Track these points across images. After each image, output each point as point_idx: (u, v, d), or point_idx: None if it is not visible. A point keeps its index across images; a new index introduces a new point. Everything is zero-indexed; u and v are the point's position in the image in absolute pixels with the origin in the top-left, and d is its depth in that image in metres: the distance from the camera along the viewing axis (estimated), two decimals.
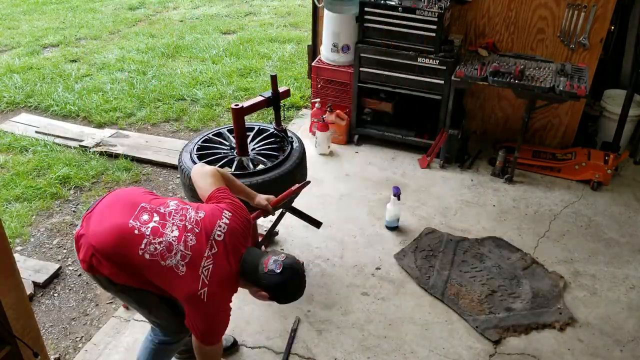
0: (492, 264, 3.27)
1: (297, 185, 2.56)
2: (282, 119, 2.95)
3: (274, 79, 2.81)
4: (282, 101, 2.94)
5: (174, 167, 4.23)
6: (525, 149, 4.15)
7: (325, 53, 4.39)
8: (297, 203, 3.01)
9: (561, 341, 2.82)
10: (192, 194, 2.77)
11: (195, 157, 2.79)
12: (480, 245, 3.43)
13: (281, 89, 2.87)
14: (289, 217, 3.12)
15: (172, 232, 2.06)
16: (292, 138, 2.94)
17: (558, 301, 3.03)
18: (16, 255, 3.29)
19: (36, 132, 4.66)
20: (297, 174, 2.85)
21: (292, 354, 2.76)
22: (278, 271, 2.04)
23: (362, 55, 4.10)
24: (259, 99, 2.82)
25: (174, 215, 2.12)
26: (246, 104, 2.77)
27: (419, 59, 3.94)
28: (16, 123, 4.81)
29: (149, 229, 2.06)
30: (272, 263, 2.06)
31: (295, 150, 2.86)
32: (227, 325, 2.14)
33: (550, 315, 2.95)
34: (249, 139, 2.98)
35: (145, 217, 2.09)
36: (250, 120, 4.61)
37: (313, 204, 3.75)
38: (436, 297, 3.07)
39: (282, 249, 3.38)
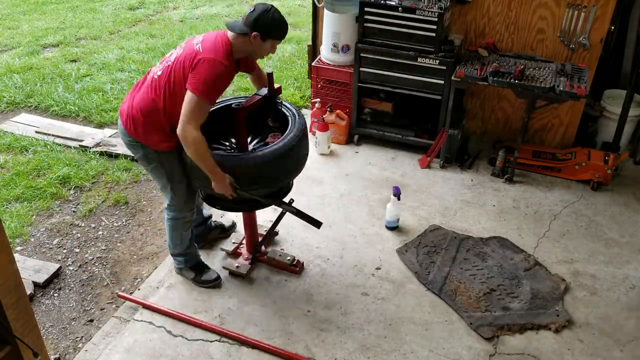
0: (494, 264, 3.28)
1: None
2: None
3: (270, 76, 2.81)
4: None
5: None
6: (525, 149, 4.15)
7: (325, 53, 4.39)
8: (297, 203, 3.01)
9: (561, 341, 2.82)
10: (194, 171, 2.74)
11: None
12: (485, 244, 3.43)
13: (275, 86, 2.87)
14: (289, 217, 3.13)
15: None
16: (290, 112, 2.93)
17: (557, 303, 3.02)
18: (16, 255, 3.29)
19: (36, 132, 4.66)
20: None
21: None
22: (254, 9, 2.55)
23: (362, 55, 4.10)
24: (257, 97, 2.82)
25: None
26: (246, 103, 2.76)
27: (419, 59, 3.94)
28: (16, 123, 4.81)
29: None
30: (248, 11, 2.57)
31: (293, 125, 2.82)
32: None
33: (547, 316, 2.95)
34: (248, 139, 2.98)
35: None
36: None
37: (313, 204, 3.75)
38: (434, 292, 3.08)
39: (282, 249, 3.38)
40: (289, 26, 2.68)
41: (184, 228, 3.00)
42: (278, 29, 2.59)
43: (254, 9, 2.55)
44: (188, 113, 2.46)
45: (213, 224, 3.45)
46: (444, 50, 3.89)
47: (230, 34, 2.60)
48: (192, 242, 3.14)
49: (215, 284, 3.12)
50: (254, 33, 2.53)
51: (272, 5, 2.57)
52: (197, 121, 2.48)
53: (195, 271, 3.13)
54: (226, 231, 3.47)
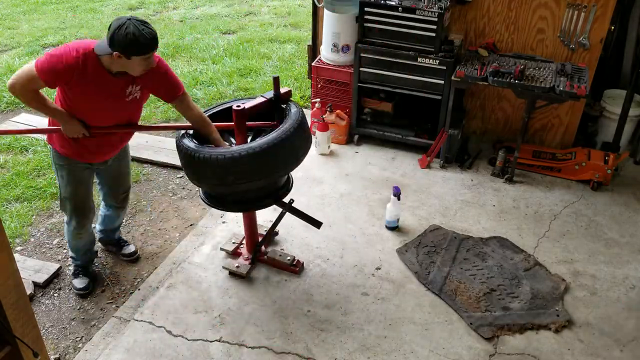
0: (494, 264, 3.28)
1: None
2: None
3: (276, 80, 2.80)
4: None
5: (174, 167, 4.23)
6: (525, 149, 4.15)
7: (325, 53, 4.39)
8: (297, 203, 3.01)
9: (561, 341, 2.82)
10: (192, 172, 2.73)
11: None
12: (485, 244, 3.43)
13: (282, 89, 2.86)
14: (289, 217, 3.13)
15: None
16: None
17: (557, 303, 3.02)
18: (16, 255, 3.29)
19: None
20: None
21: (291, 354, 2.76)
22: (110, 25, 2.39)
23: (362, 55, 4.10)
24: (261, 99, 2.81)
25: None
26: (248, 105, 2.75)
27: (419, 59, 3.94)
28: (16, 123, 4.81)
29: None
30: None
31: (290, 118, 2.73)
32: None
33: (547, 316, 2.95)
34: (248, 140, 2.98)
35: None
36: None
37: (313, 204, 3.75)
38: (434, 292, 3.08)
39: (282, 249, 3.38)
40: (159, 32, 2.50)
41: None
42: (136, 45, 2.37)
43: (110, 26, 2.39)
44: (19, 72, 2.49)
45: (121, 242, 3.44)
46: (444, 50, 3.89)
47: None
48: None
49: (80, 293, 3.15)
50: (115, 53, 2.40)
51: (129, 18, 2.38)
52: (22, 82, 2.48)
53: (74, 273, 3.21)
54: (124, 254, 3.41)
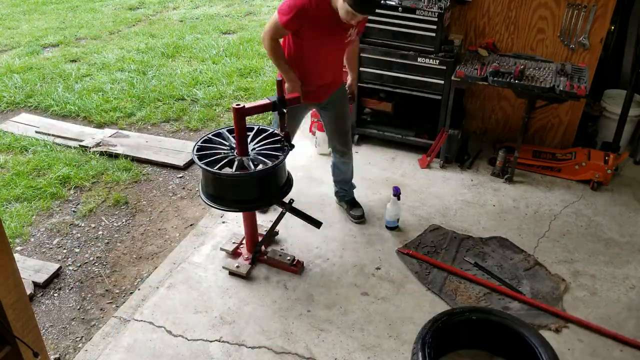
0: (494, 263, 3.28)
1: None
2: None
3: (280, 83, 2.80)
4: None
5: (174, 167, 4.23)
6: (525, 149, 4.15)
7: None
8: (297, 203, 3.01)
9: (561, 341, 2.82)
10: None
11: (195, 158, 2.79)
12: (484, 244, 3.43)
13: (291, 95, 2.87)
14: (289, 217, 3.13)
15: None
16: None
17: (557, 304, 3.02)
18: (16, 255, 3.29)
19: (36, 132, 4.66)
20: None
21: (291, 354, 2.76)
22: None
23: (362, 55, 4.10)
24: (265, 101, 2.81)
25: None
26: (249, 105, 2.76)
27: (419, 59, 3.94)
28: (16, 123, 4.82)
29: None
30: None
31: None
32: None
33: (547, 317, 2.95)
34: (248, 139, 2.98)
35: None
36: (250, 121, 4.61)
37: (313, 204, 3.75)
38: (434, 292, 3.08)
39: (282, 249, 3.38)
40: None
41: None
42: (358, 4, 2.61)
43: None
44: (266, 26, 2.90)
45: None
46: (444, 50, 3.89)
47: None
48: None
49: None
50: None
51: None
52: (268, 31, 2.89)
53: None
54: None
